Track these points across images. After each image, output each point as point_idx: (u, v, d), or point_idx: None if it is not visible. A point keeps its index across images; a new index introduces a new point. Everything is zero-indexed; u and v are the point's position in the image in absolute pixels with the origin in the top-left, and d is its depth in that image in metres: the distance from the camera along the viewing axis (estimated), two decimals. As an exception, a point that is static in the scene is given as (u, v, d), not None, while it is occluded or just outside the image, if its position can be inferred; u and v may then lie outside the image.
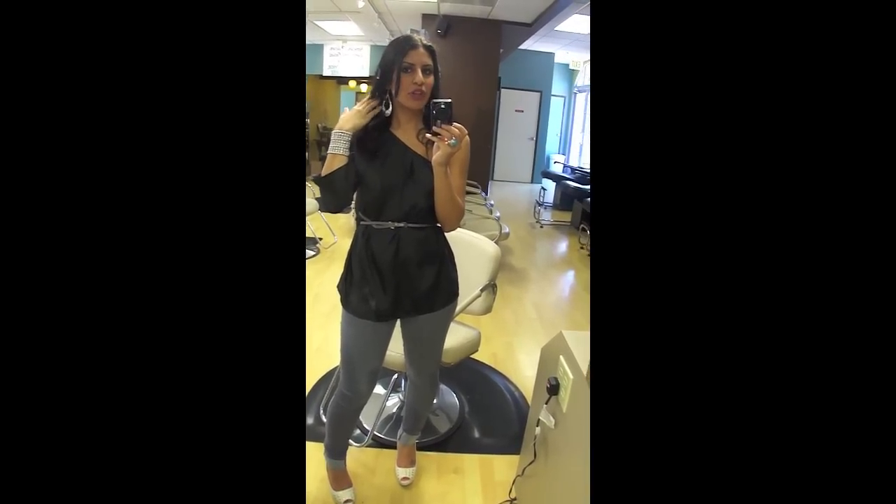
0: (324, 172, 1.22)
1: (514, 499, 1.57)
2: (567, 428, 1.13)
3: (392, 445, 1.83)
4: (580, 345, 1.13)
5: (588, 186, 6.07)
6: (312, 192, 4.30)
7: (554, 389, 1.17)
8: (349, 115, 1.23)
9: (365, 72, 7.62)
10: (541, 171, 8.57)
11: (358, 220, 1.32)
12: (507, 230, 3.80)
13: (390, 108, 1.24)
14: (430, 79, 1.21)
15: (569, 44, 7.14)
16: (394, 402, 2.09)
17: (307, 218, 4.27)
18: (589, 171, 6.84)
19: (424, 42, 1.21)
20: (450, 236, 1.39)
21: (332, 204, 1.27)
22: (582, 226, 5.40)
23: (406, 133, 1.27)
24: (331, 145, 1.22)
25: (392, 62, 1.20)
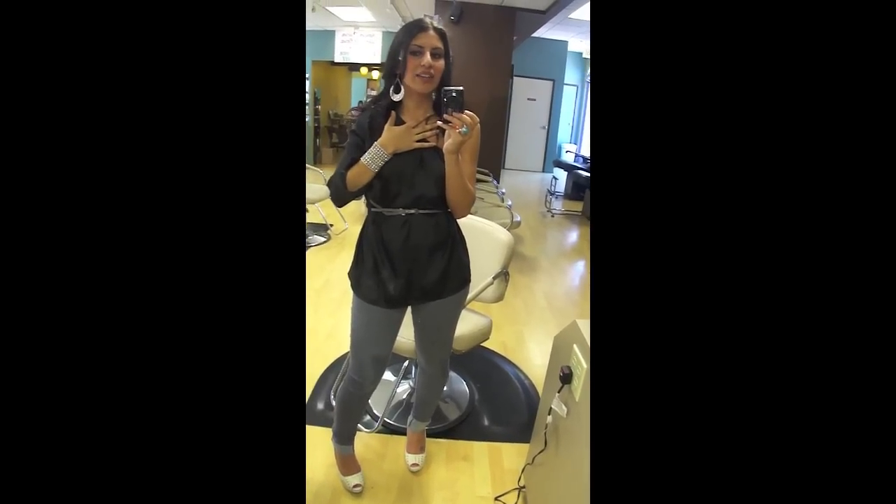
0: (350, 180, 1.23)
1: (523, 487, 1.57)
2: (579, 417, 1.12)
3: (402, 432, 1.84)
4: (594, 334, 1.11)
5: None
6: (323, 179, 4.31)
7: (567, 378, 1.16)
8: (399, 135, 1.20)
9: (377, 58, 7.55)
10: (552, 160, 8.51)
11: (369, 206, 1.32)
12: (518, 219, 3.78)
13: (400, 92, 1.23)
14: (440, 62, 1.19)
15: (582, 32, 7.04)
16: (404, 388, 2.10)
17: (318, 205, 4.28)
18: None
19: (435, 25, 1.19)
20: (463, 224, 1.38)
21: (342, 203, 1.31)
22: (593, 216, 5.36)
23: (415, 120, 1.26)
24: (368, 157, 1.21)
25: (400, 44, 1.18)
